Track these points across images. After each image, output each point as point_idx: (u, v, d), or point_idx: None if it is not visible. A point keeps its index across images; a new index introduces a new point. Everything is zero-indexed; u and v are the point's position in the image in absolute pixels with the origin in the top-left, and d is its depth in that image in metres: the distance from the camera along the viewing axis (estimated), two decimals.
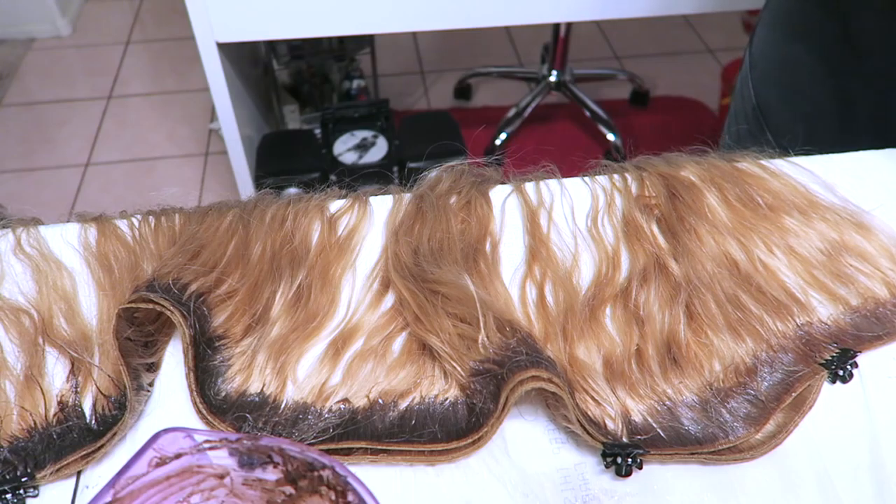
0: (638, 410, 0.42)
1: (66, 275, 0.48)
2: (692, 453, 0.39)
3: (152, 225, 0.51)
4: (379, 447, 0.39)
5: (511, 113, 1.94)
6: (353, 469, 0.38)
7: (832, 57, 0.64)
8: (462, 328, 0.42)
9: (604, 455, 0.39)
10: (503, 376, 0.39)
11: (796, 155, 0.57)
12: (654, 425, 0.41)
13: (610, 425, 0.40)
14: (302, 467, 0.30)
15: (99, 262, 0.49)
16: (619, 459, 0.38)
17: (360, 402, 0.42)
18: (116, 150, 1.96)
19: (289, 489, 0.31)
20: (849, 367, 0.43)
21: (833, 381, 0.43)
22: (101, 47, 2.33)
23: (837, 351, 0.44)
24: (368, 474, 0.39)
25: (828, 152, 0.58)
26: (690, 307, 0.47)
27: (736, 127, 0.78)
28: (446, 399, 0.42)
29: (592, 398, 0.42)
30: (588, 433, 0.39)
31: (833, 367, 0.43)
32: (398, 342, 0.45)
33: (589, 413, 0.41)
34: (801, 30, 0.66)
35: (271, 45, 1.71)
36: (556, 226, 0.53)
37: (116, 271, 0.48)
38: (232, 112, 1.35)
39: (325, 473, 0.30)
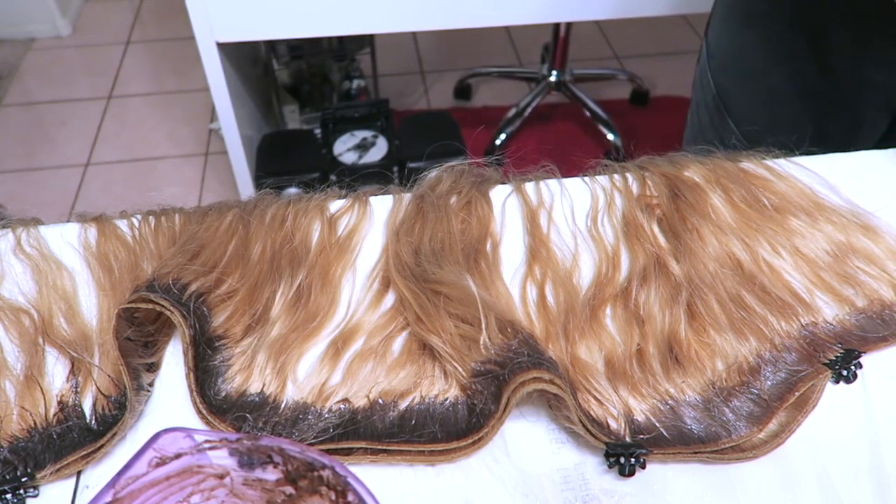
0: (641, 410, 0.42)
1: (66, 275, 0.48)
2: (695, 452, 0.39)
3: (152, 225, 0.51)
4: (379, 447, 0.39)
5: (511, 113, 1.94)
6: (353, 469, 0.38)
7: (785, 41, 0.65)
8: (463, 329, 0.42)
9: (607, 455, 0.39)
10: (505, 377, 0.39)
11: (764, 143, 0.57)
12: (657, 424, 0.41)
13: (612, 425, 0.40)
14: (302, 467, 0.30)
15: (99, 262, 0.49)
16: (622, 459, 0.38)
17: (360, 402, 0.42)
18: (116, 150, 1.96)
19: (289, 489, 0.31)
20: (853, 367, 0.43)
21: (837, 382, 0.43)
22: (101, 47, 2.33)
23: (842, 351, 0.44)
24: (368, 474, 0.39)
25: (789, 136, 0.58)
26: (692, 307, 0.47)
27: (698, 117, 0.79)
28: (446, 399, 0.42)
29: (595, 398, 0.42)
30: (591, 433, 0.39)
31: (837, 367, 0.43)
32: (398, 342, 0.45)
33: (591, 413, 0.41)
34: (753, 17, 0.67)
35: (271, 45, 1.71)
36: (556, 226, 0.53)
37: (116, 271, 0.48)
38: (232, 112, 1.35)
39: (325, 473, 0.29)
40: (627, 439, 0.40)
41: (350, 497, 0.29)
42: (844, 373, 0.43)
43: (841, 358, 0.43)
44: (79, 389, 0.42)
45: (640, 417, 0.41)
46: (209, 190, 1.85)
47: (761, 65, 0.67)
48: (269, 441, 0.30)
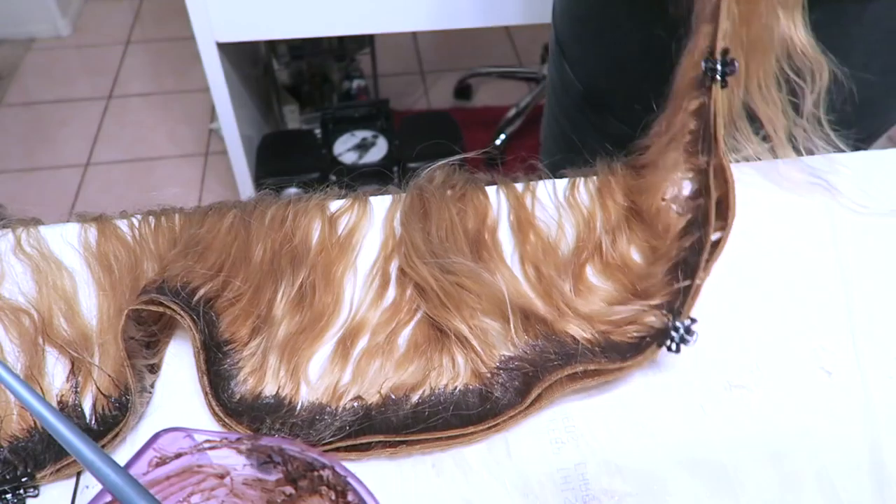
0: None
1: (66, 275, 0.48)
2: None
3: (152, 225, 0.51)
4: (396, 439, 0.39)
5: (511, 113, 1.94)
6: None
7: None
8: (487, 322, 0.43)
9: (668, 349, 0.40)
10: (537, 374, 0.39)
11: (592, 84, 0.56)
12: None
13: (654, 322, 0.42)
14: (302, 467, 0.30)
15: (99, 262, 0.49)
16: (674, 336, 0.39)
17: (372, 398, 0.42)
18: (116, 150, 1.96)
19: (289, 489, 0.31)
20: None
21: None
22: (101, 47, 2.33)
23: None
24: (368, 474, 0.39)
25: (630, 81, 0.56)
26: None
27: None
28: (456, 387, 0.42)
29: (625, 323, 0.43)
30: (646, 356, 0.40)
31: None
32: (403, 337, 0.45)
33: (632, 334, 0.42)
34: None
35: (271, 45, 1.71)
36: (541, 203, 0.54)
37: (116, 271, 0.48)
38: (232, 112, 1.35)
39: (325, 473, 0.29)
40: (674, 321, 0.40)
41: (350, 497, 0.29)
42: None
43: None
44: (79, 389, 0.42)
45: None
46: (209, 190, 1.85)
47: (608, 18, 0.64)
48: (268, 441, 0.30)
